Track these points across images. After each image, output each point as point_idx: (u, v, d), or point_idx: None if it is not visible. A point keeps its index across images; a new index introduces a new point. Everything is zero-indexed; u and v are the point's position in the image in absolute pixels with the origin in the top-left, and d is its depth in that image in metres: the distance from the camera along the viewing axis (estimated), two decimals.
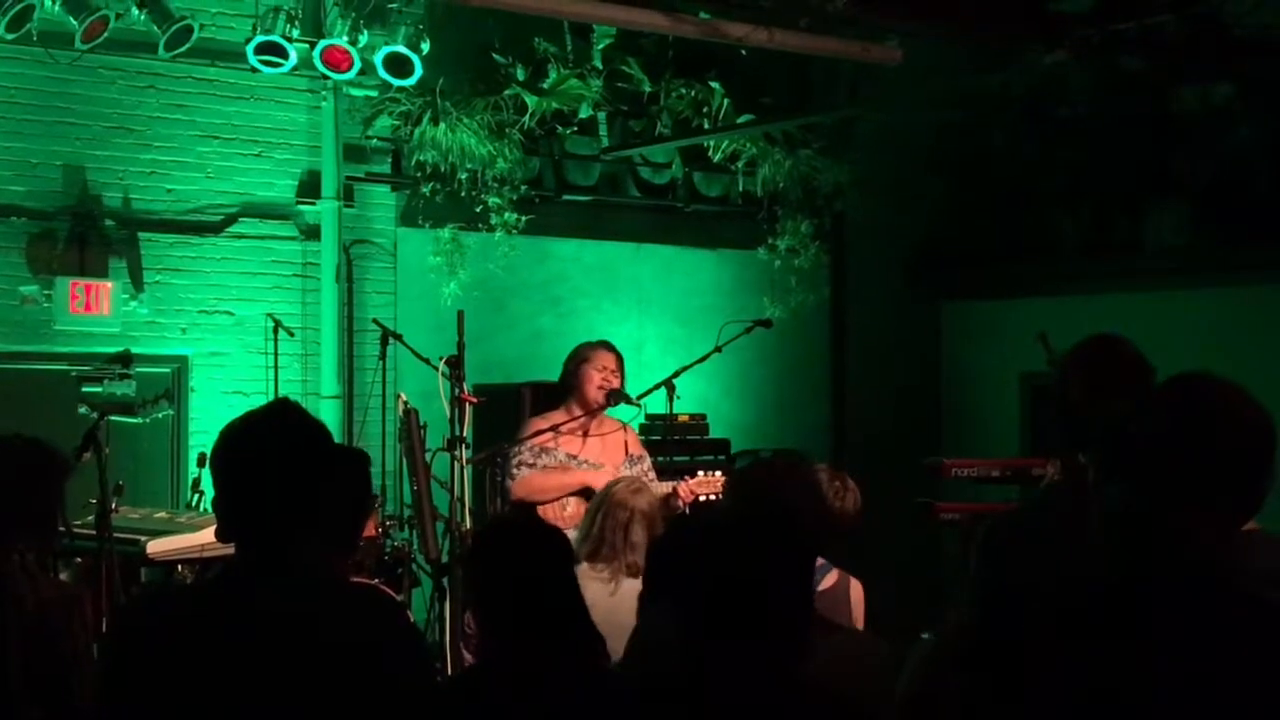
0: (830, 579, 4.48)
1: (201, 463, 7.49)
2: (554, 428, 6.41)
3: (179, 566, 6.26)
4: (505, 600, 3.17)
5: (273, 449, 2.69)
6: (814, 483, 3.23)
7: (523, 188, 9.46)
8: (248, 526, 2.68)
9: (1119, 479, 2.19)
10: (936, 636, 3.07)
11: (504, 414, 7.80)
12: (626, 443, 6.55)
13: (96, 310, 8.20)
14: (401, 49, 8.45)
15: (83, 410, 7.43)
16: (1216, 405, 2.17)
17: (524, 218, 9.37)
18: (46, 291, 8.16)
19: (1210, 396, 2.19)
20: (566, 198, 9.92)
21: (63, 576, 5.69)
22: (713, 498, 6.55)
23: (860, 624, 4.43)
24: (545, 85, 9.59)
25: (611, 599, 4.57)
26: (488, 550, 3.35)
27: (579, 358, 6.54)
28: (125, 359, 7.76)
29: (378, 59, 8.45)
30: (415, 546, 7.24)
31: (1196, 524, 2.12)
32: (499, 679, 3.08)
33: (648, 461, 6.61)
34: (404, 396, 7.25)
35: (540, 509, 6.25)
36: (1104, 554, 2.24)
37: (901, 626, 4.41)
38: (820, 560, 4.49)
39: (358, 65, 8.31)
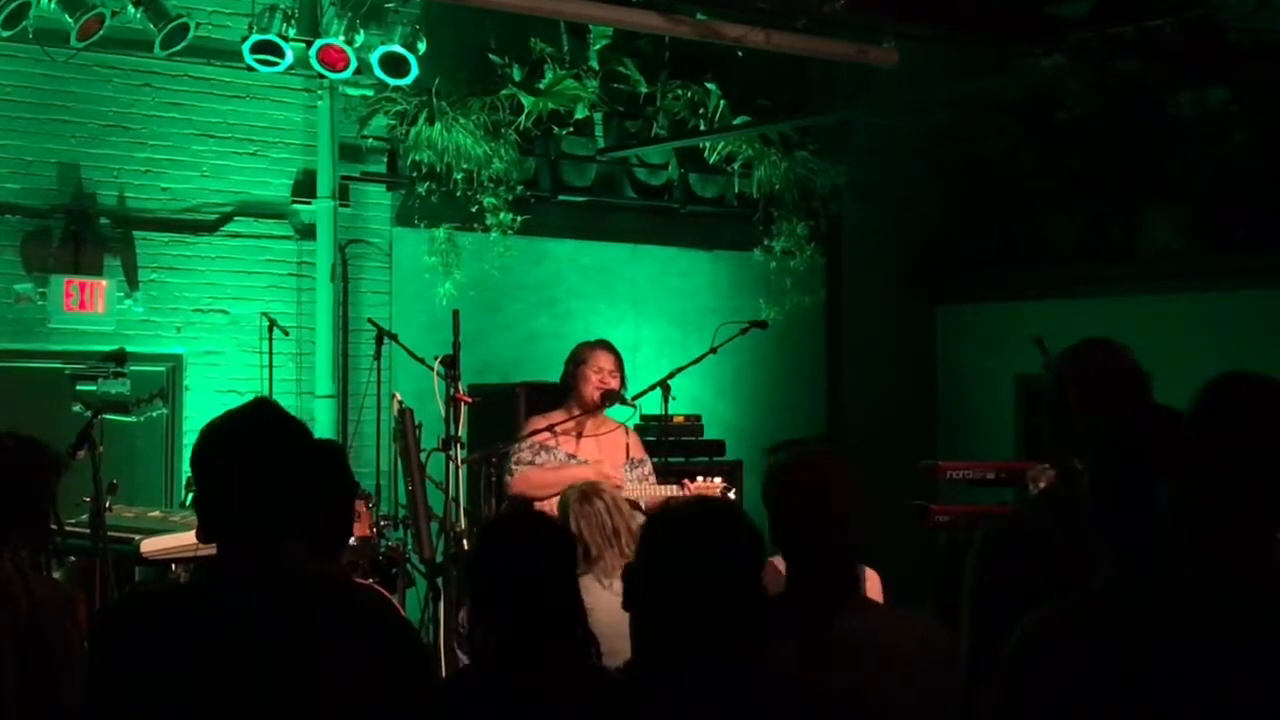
0: (869, 580, 4.48)
1: None
2: (550, 427, 6.41)
3: (173, 565, 6.25)
4: (506, 599, 3.16)
5: (252, 447, 2.70)
6: (846, 468, 3.21)
7: (518, 188, 9.46)
8: (231, 525, 2.68)
9: (1168, 479, 2.17)
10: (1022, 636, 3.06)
11: (499, 414, 7.80)
12: (628, 445, 6.54)
13: (91, 308, 8.19)
14: (398, 49, 8.45)
15: (77, 408, 7.43)
16: (1258, 401, 2.15)
17: (520, 218, 9.37)
18: (41, 289, 8.15)
19: (1269, 396, 2.17)
20: (562, 198, 9.92)
21: (56, 575, 5.68)
22: None
23: None
24: (541, 85, 9.59)
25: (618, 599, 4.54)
26: (492, 547, 3.33)
27: (577, 358, 6.53)
28: (120, 357, 7.76)
29: (374, 58, 8.45)
30: (410, 547, 7.24)
31: (1253, 525, 2.11)
32: (495, 678, 3.07)
33: (649, 465, 6.61)
34: (399, 396, 7.25)
35: (538, 505, 6.24)
36: (1135, 558, 2.21)
37: None
38: None
39: (354, 65, 8.32)
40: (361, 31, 8.40)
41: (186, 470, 7.73)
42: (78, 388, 7.76)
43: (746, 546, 2.47)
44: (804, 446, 3.88)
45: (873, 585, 4.54)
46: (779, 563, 4.30)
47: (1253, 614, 2.06)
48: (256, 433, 2.72)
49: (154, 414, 8.41)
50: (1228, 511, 2.11)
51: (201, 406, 8.44)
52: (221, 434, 2.72)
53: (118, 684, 2.62)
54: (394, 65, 8.48)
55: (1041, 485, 5.39)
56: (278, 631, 2.60)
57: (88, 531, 5.97)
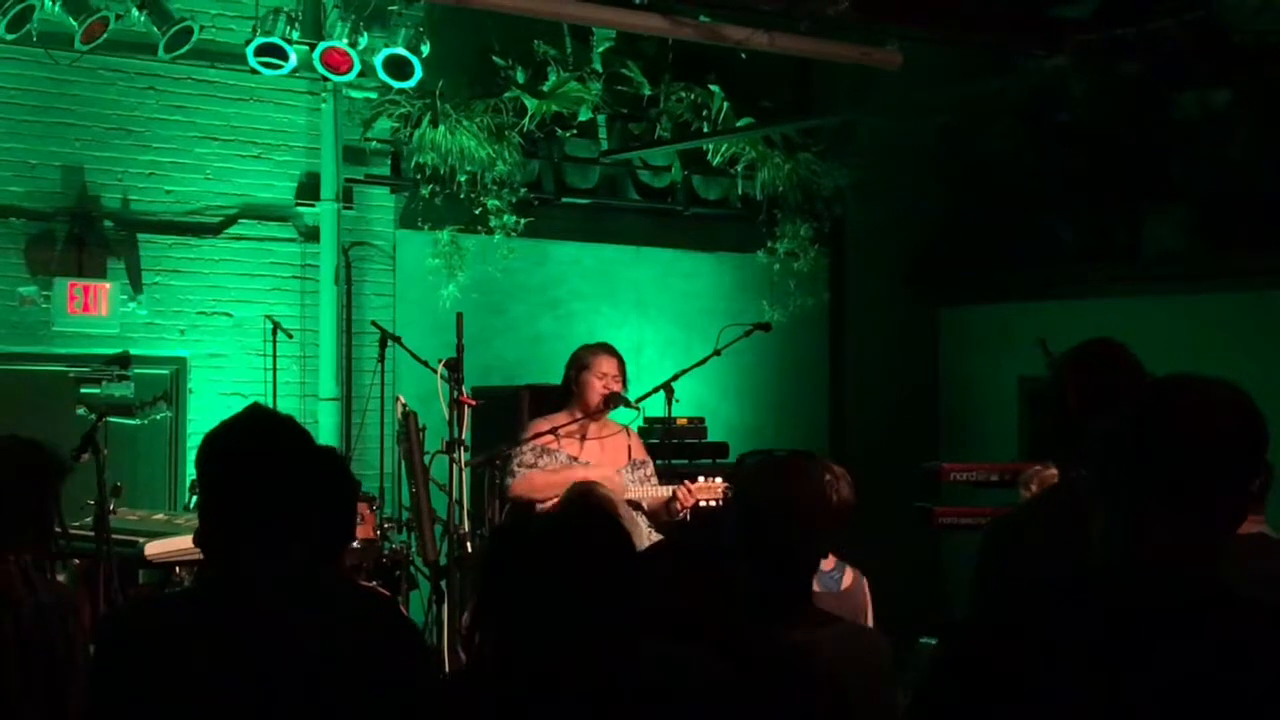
0: (848, 578, 4.48)
1: None
2: (553, 430, 6.41)
3: (177, 568, 6.26)
4: (509, 602, 3.14)
5: (248, 453, 2.70)
6: (816, 479, 3.25)
7: (522, 190, 9.47)
8: (233, 531, 2.68)
9: (1102, 484, 2.17)
10: (940, 640, 3.07)
11: (503, 417, 7.80)
12: (630, 447, 6.55)
13: (95, 311, 8.20)
14: (401, 51, 8.45)
15: (81, 411, 7.46)
16: (1189, 403, 2.13)
17: (523, 220, 9.37)
18: (45, 292, 8.16)
19: (1184, 395, 2.15)
20: (566, 200, 9.92)
21: (60, 578, 5.68)
22: (714, 503, 6.54)
23: (870, 619, 4.42)
24: (545, 88, 9.59)
25: None
26: (502, 551, 3.30)
27: (579, 363, 6.52)
28: (124, 360, 7.78)
29: (377, 61, 8.45)
30: (413, 549, 7.24)
31: (1180, 525, 2.10)
32: (509, 682, 3.06)
33: (650, 466, 6.61)
34: (403, 399, 7.26)
35: (539, 508, 6.25)
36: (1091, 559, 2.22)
37: (900, 629, 4.41)
38: (833, 560, 4.50)
39: (357, 67, 8.32)
40: (365, 34, 8.40)
41: (190, 473, 7.74)
42: (81, 390, 7.79)
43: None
44: (774, 456, 3.92)
45: (858, 586, 4.54)
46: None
47: (1165, 615, 2.05)
48: (252, 439, 2.72)
49: (158, 417, 8.42)
50: (1155, 511, 2.10)
51: (205, 409, 8.46)
52: (218, 443, 2.73)
53: (121, 689, 2.62)
54: (397, 68, 8.48)
55: (1033, 488, 5.40)
56: (281, 635, 2.61)
57: (92, 534, 5.98)
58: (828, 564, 4.42)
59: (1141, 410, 2.14)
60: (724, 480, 6.67)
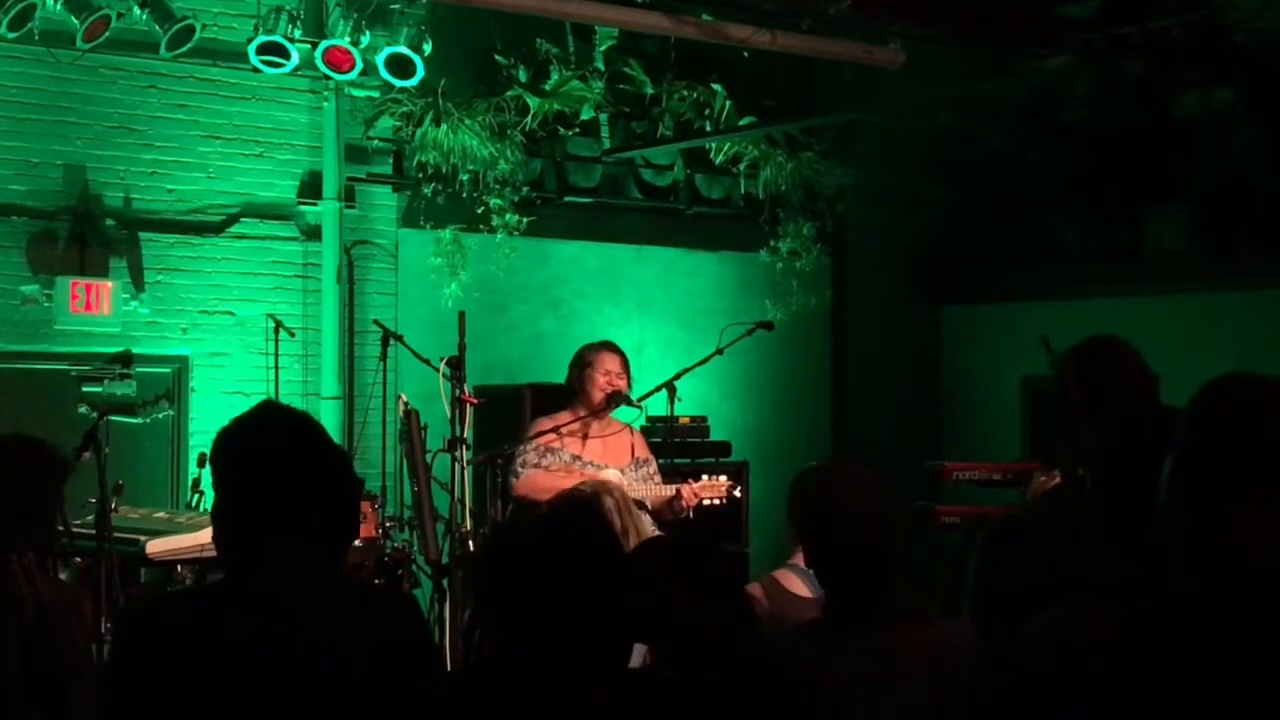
0: None
1: (202, 463, 7.50)
2: (555, 429, 6.41)
3: (178, 567, 6.26)
4: (509, 602, 3.13)
5: (269, 447, 2.70)
6: (881, 490, 3.19)
7: (524, 189, 9.47)
8: (249, 528, 2.68)
9: (1160, 486, 2.14)
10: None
11: (505, 415, 7.80)
12: (633, 445, 6.55)
13: (97, 310, 8.20)
14: (403, 50, 8.46)
15: (83, 410, 7.46)
16: (1253, 399, 2.12)
17: (525, 219, 9.37)
18: (47, 291, 8.16)
19: (1246, 392, 2.14)
20: (568, 199, 9.93)
21: (62, 576, 5.69)
22: (718, 501, 6.54)
23: None
24: (547, 87, 9.59)
25: None
26: (502, 550, 3.30)
27: (583, 361, 6.52)
28: (125, 359, 7.78)
29: (379, 60, 8.46)
30: (415, 548, 7.25)
31: (1252, 525, 2.08)
32: (518, 683, 3.06)
33: (653, 465, 6.60)
34: (405, 398, 7.26)
35: (542, 508, 6.23)
36: (1148, 562, 2.19)
37: None
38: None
39: (359, 66, 8.32)
40: (367, 33, 8.40)
41: (192, 471, 7.74)
42: (83, 389, 7.79)
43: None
44: (833, 462, 3.85)
45: None
46: (782, 578, 4.29)
47: (1258, 616, 2.04)
48: (263, 437, 2.72)
49: (160, 415, 8.42)
50: (1228, 511, 2.09)
51: (207, 408, 8.46)
52: (230, 440, 2.73)
53: (136, 686, 2.62)
54: (399, 66, 8.48)
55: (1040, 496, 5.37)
56: (295, 632, 2.61)
57: (93, 533, 5.97)
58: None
59: (1212, 410, 2.12)
60: (727, 478, 6.67)
